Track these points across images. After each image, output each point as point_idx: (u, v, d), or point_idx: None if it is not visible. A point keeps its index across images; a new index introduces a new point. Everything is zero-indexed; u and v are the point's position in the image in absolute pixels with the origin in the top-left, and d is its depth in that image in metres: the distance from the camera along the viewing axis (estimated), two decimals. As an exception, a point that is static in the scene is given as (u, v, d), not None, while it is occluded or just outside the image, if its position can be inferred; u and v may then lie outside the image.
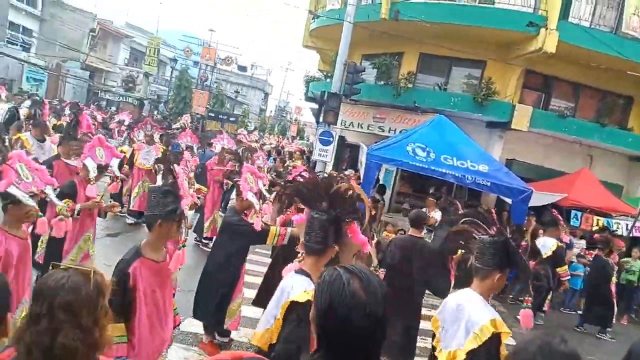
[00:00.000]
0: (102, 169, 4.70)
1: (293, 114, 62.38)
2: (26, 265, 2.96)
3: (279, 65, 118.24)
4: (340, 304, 1.23)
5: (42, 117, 8.20)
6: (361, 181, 8.47)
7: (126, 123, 14.79)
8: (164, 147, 8.77)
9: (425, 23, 10.79)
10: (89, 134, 5.72)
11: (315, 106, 13.95)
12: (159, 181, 3.44)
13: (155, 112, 27.68)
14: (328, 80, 14.82)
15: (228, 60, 34.84)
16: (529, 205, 8.23)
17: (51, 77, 27.21)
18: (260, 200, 4.46)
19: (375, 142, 9.84)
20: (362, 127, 13.17)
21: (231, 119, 18.45)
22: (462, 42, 11.28)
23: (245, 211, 4.34)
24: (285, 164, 13.13)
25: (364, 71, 11.89)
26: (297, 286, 2.17)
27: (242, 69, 42.37)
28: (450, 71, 12.72)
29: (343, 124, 13.10)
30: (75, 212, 4.38)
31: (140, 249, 2.68)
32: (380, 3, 11.42)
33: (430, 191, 11.32)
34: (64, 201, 4.10)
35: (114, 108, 26.13)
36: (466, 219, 2.85)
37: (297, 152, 15.06)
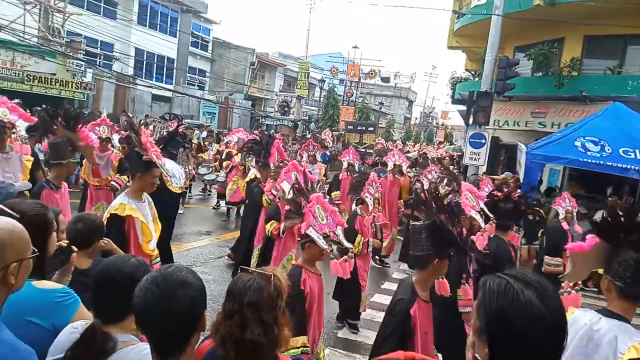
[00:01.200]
0: (299, 192, 5.02)
1: (439, 119, 60.55)
2: (321, 300, 3.17)
3: (422, 71, 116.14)
4: (514, 316, 1.14)
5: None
6: (520, 184, 7.82)
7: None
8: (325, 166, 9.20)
9: (590, 2, 9.57)
10: (285, 161, 6.20)
11: (464, 108, 13.37)
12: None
13: (307, 132, 29.62)
14: (477, 79, 14.12)
15: (371, 73, 35.62)
16: None
17: (221, 109, 31.30)
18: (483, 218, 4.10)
19: (536, 140, 8.99)
20: (518, 125, 12.16)
21: (369, 129, 18.63)
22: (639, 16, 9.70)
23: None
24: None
25: (518, 64, 11.02)
26: None
27: (386, 80, 42.76)
28: (624, 51, 11.01)
29: (496, 123, 12.29)
30: (281, 231, 4.86)
31: (415, 288, 2.52)
32: (533, -10, 10.52)
33: (608, 192, 9.85)
34: (270, 223, 4.81)
35: (272, 131, 28.79)
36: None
37: (447, 159, 14.53)
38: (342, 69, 34.32)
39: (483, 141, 10.22)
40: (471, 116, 10.73)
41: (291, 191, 4.77)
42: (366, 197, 5.40)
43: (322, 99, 34.57)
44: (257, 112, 34.72)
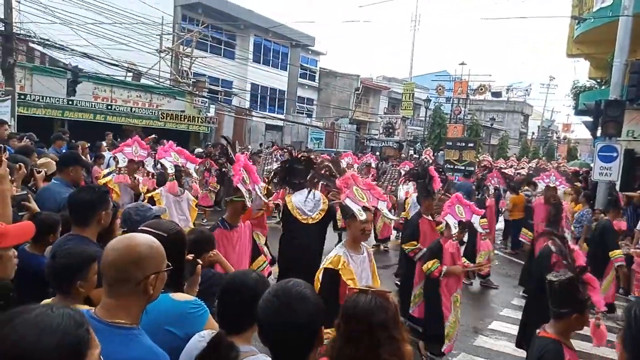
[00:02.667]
0: (463, 226, 4.61)
1: (560, 132, 55.35)
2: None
3: (538, 83, 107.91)
4: None
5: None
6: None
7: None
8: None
9: None
10: (447, 194, 5.73)
11: (590, 119, 12.11)
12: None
13: (412, 152, 29.12)
14: (603, 87, 12.76)
15: (481, 89, 34.04)
16: None
17: (327, 134, 32.33)
18: None
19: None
20: (658, 135, 10.68)
21: (469, 145, 17.28)
22: None
23: None
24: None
25: (653, 67, 9.74)
26: None
27: (497, 94, 40.51)
28: None
29: (629, 134, 10.92)
30: (442, 274, 4.43)
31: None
32: (667, -18, 9.33)
33: None
34: (431, 262, 4.45)
35: (377, 153, 28.90)
36: None
37: (571, 174, 13.19)
38: (449, 87, 33.36)
39: (615, 154, 9.14)
40: (599, 128, 9.69)
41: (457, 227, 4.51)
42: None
43: (427, 118, 33.88)
44: (361, 135, 35.17)
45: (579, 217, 8.20)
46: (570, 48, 15.37)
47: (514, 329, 6.04)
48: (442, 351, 4.61)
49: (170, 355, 1.61)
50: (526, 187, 11.14)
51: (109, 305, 1.53)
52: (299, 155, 5.08)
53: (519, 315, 6.58)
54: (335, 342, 1.67)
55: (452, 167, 15.62)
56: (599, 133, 9.95)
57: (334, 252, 2.99)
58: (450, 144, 17.83)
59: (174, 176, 4.82)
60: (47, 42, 13.82)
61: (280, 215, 4.78)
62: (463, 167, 15.43)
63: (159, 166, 5.48)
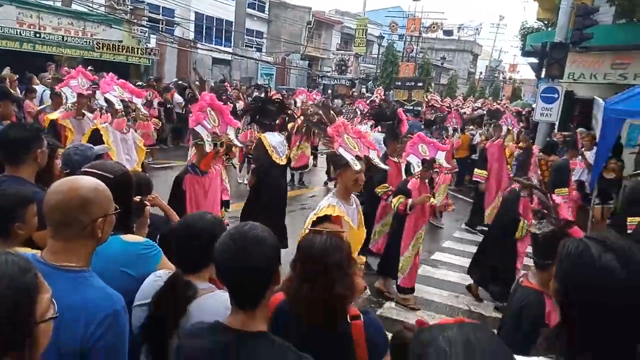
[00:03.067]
0: (428, 164, 4.68)
1: (507, 73, 56.96)
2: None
3: (488, 22, 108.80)
4: (590, 281, 1.07)
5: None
6: (596, 142, 7.28)
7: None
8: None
9: None
10: (409, 134, 5.65)
11: (535, 61, 12.48)
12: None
13: (364, 90, 29.07)
14: (550, 29, 13.06)
15: (433, 27, 33.95)
16: None
17: (278, 70, 31.40)
18: None
19: (616, 94, 8.27)
20: (595, 78, 11.21)
21: (418, 84, 16.82)
22: None
23: None
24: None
25: (598, 11, 10.01)
26: None
27: (448, 33, 40.59)
28: None
29: (571, 76, 11.40)
30: (408, 207, 4.53)
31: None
32: None
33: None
34: (396, 198, 4.58)
35: (330, 91, 28.60)
36: None
37: (514, 112, 13.74)
38: (402, 24, 32.92)
39: (556, 95, 9.53)
40: (544, 69, 10.01)
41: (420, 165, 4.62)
42: None
43: (380, 56, 33.59)
44: (314, 72, 34.48)
45: (518, 156, 8.65)
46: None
47: (455, 259, 6.53)
48: (399, 284, 4.90)
49: (126, 296, 1.59)
50: (471, 127, 11.56)
51: (55, 248, 1.48)
52: (272, 96, 5.41)
53: (460, 246, 7.11)
54: (292, 281, 1.71)
55: (401, 106, 15.75)
56: (543, 74, 10.27)
57: (325, 202, 2.90)
58: (400, 83, 17.62)
59: (122, 112, 4.47)
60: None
61: (253, 152, 5.17)
62: (412, 107, 15.57)
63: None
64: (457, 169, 10.27)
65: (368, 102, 12.50)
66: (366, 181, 3.15)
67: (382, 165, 3.54)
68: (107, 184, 1.56)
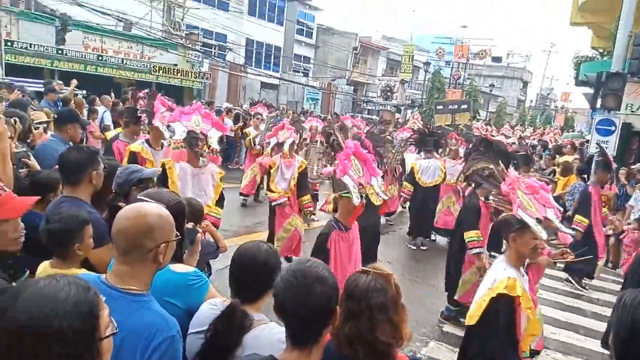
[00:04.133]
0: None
1: (558, 101, 55.16)
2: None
3: (539, 49, 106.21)
4: None
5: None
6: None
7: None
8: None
9: None
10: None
11: (590, 90, 12.03)
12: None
13: (410, 117, 28.93)
14: (605, 58, 12.61)
15: (481, 54, 33.55)
16: None
17: (324, 95, 31.90)
18: None
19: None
20: (657, 110, 10.67)
21: (462, 106, 15.27)
22: None
23: None
24: (555, 160, 11.70)
25: (658, 40, 9.60)
26: None
27: (497, 60, 39.94)
28: None
29: (628, 108, 10.91)
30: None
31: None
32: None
33: None
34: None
35: (375, 117, 28.68)
36: None
37: (568, 147, 13.23)
38: (450, 51, 32.78)
39: (613, 128, 9.12)
40: (599, 100, 9.62)
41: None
42: None
43: (426, 82, 33.47)
44: (359, 97, 34.77)
45: (572, 189, 8.29)
46: (575, 16, 15.06)
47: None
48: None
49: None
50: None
51: (120, 272, 1.54)
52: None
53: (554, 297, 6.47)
54: (338, 319, 1.68)
55: (454, 130, 14.65)
56: (598, 105, 9.88)
57: (501, 272, 2.54)
58: (441, 107, 15.92)
59: (181, 144, 3.93)
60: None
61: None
62: (463, 129, 13.37)
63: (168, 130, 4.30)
64: None
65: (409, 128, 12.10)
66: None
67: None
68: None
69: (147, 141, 4.35)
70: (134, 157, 4.17)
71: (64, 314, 0.96)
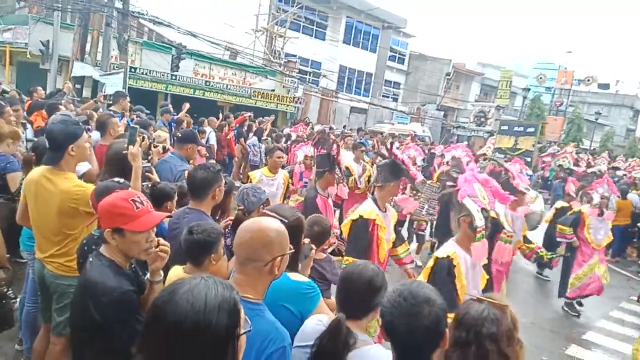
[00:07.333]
0: None
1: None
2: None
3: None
4: None
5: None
6: None
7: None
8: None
9: None
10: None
11: None
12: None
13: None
14: None
15: (587, 80, 31.14)
16: None
17: (412, 119, 31.56)
18: None
19: None
20: None
21: (528, 129, 14.14)
22: None
23: None
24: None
25: None
26: None
27: (604, 86, 36.77)
28: None
29: None
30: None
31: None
32: None
33: None
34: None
35: (465, 142, 27.73)
36: None
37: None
38: (552, 77, 30.87)
39: None
40: None
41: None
42: None
43: (524, 108, 31.71)
44: (448, 122, 33.89)
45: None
46: None
47: (608, 341, 5.67)
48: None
49: (286, 329, 1.72)
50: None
51: (238, 280, 1.67)
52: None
53: (615, 328, 6.14)
54: (446, 347, 1.64)
55: (503, 156, 13.17)
56: None
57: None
58: (506, 128, 14.92)
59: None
60: (157, 20, 14.86)
61: None
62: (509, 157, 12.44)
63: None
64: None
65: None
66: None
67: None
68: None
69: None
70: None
71: (214, 309, 1.06)
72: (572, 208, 6.69)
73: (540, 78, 31.58)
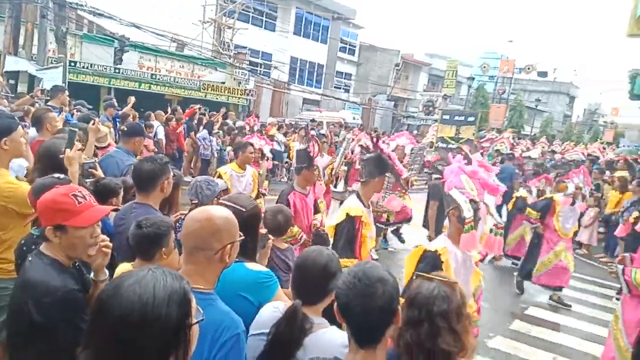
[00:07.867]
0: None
1: (607, 116, 52.70)
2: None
3: (588, 63, 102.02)
4: None
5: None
6: None
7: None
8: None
9: None
10: None
11: (646, 105, 11.49)
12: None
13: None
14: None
15: (528, 68, 32.70)
16: None
17: (364, 110, 32.01)
18: None
19: None
20: None
21: (469, 119, 14.20)
22: None
23: None
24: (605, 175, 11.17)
25: None
26: None
27: (543, 74, 38.78)
28: None
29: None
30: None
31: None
32: None
33: None
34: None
35: (415, 131, 28.42)
36: None
37: (620, 162, 12.61)
38: (494, 66, 32.20)
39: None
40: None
41: None
42: None
43: (469, 97, 32.92)
44: (399, 112, 34.62)
45: (626, 205, 7.91)
46: (632, 28, 14.42)
47: (548, 314, 6.09)
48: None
49: (243, 319, 1.71)
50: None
51: (187, 271, 1.62)
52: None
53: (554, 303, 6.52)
54: (399, 325, 1.68)
55: (445, 145, 13.54)
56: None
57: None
58: (447, 117, 14.91)
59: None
60: (97, 11, 14.15)
61: None
62: (455, 146, 12.68)
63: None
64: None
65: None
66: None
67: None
68: (240, 215, 1.73)
69: None
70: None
71: (163, 300, 1.03)
72: (525, 198, 6.98)
73: (484, 67, 32.86)
